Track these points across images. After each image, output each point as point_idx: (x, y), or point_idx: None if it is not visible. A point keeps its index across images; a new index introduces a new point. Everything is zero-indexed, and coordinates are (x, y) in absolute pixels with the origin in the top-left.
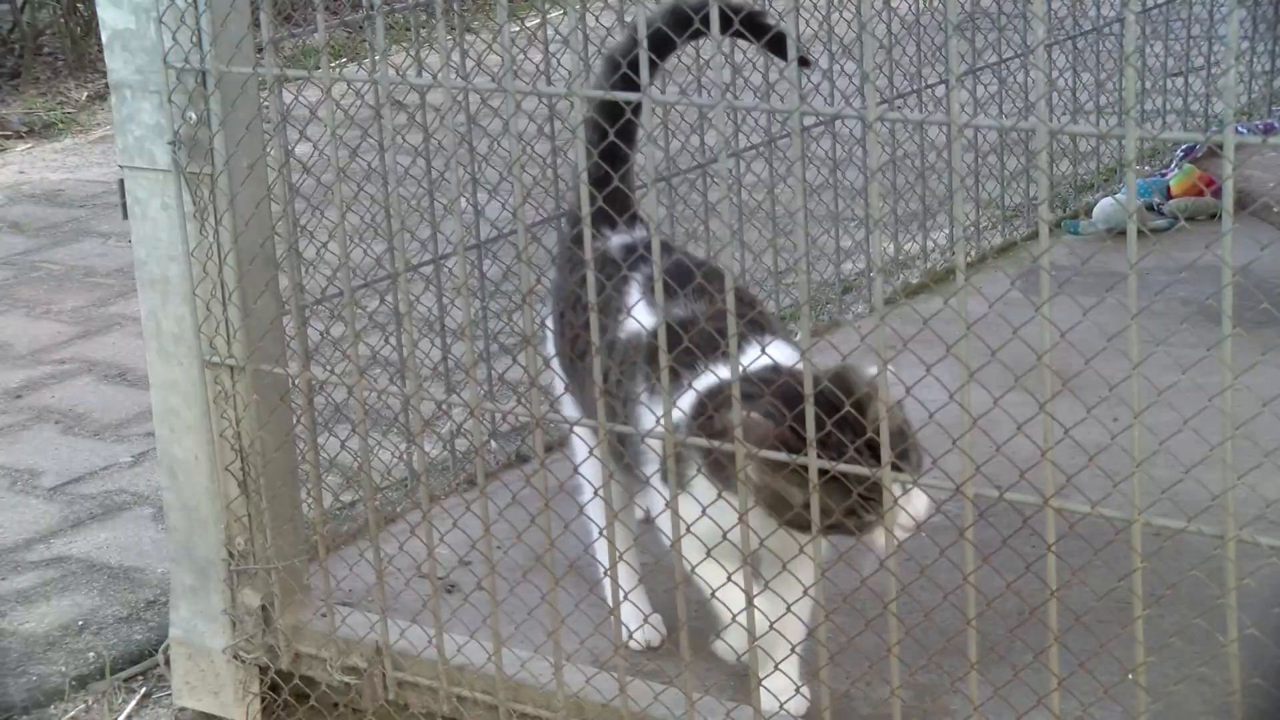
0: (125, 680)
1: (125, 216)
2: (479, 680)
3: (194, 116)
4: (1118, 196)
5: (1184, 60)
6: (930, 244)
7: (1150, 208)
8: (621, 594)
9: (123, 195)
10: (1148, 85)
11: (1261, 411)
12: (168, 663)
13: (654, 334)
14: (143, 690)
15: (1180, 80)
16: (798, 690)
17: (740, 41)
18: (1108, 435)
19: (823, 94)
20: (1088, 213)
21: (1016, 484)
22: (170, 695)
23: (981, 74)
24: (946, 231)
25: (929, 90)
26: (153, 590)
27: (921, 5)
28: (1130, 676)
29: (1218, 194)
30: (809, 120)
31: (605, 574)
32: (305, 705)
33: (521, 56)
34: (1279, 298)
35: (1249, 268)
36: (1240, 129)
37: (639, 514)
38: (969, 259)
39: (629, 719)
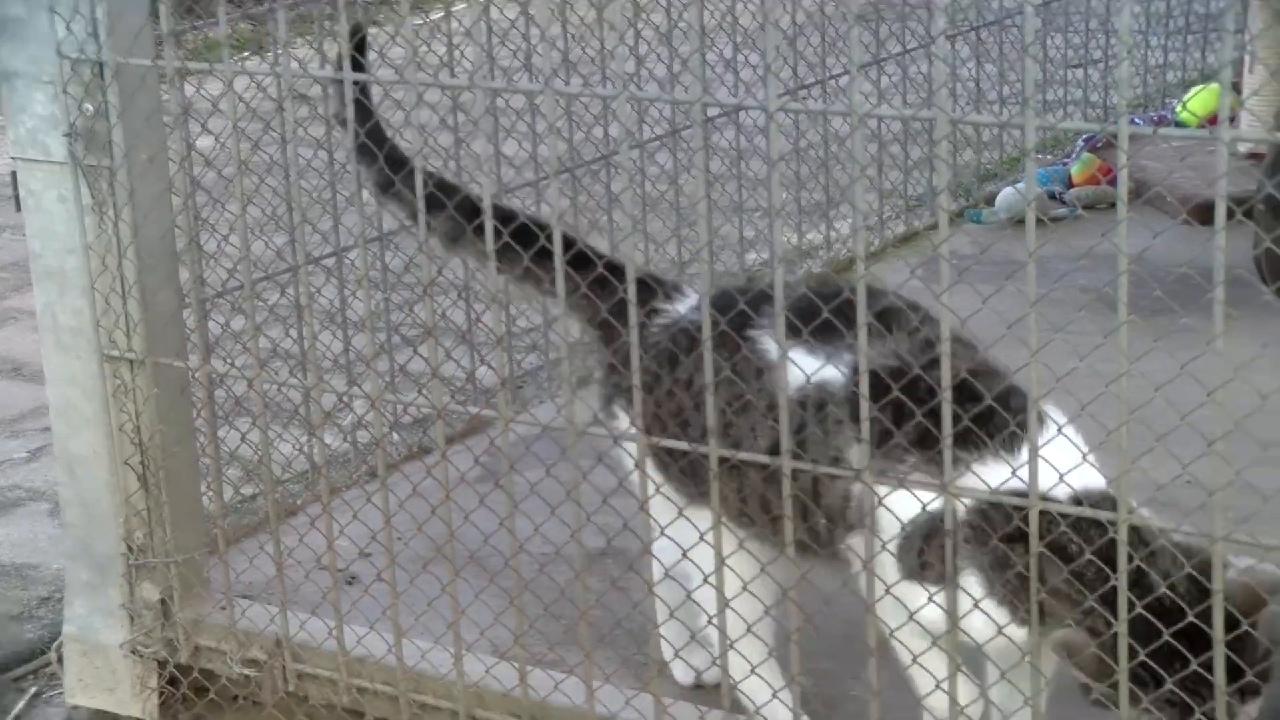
0: (15, 680)
1: (19, 209)
2: (379, 671)
3: (90, 108)
4: (1019, 186)
5: (1083, 52)
6: (833, 234)
7: (1052, 196)
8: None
9: (15, 188)
10: (1048, 76)
11: (1154, 397)
12: (60, 660)
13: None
14: (33, 689)
15: (1080, 71)
16: None
17: (645, 32)
18: None
19: (726, 84)
20: (990, 202)
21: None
22: (63, 693)
23: (885, 64)
24: (850, 221)
25: (833, 80)
26: (46, 587)
27: None
28: (1027, 658)
29: (1115, 183)
30: (711, 111)
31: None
32: (204, 699)
33: (425, 49)
34: (1172, 285)
35: (1144, 256)
36: (1135, 120)
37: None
38: (871, 248)
39: (530, 708)
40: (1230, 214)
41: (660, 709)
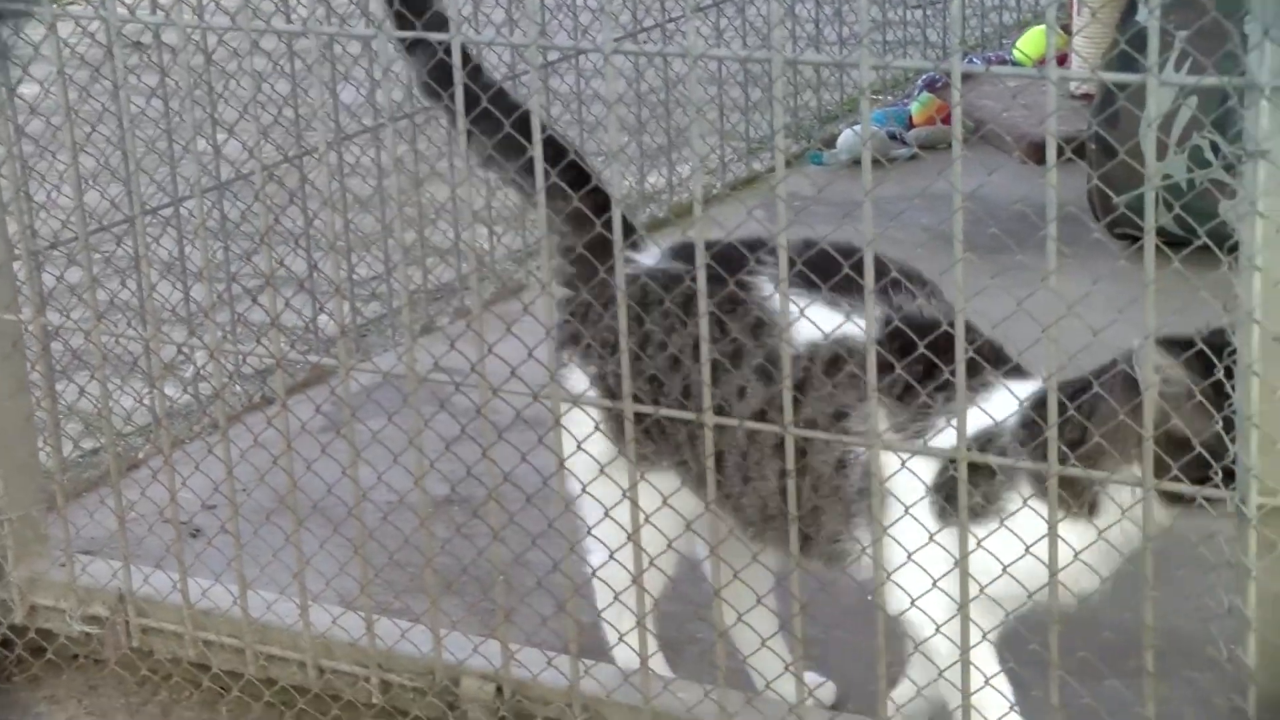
0: None
1: None
2: (225, 624)
3: None
4: (858, 127)
5: None
6: (675, 177)
7: (892, 137)
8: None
9: None
10: (891, 17)
11: (993, 332)
12: None
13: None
14: None
15: (919, 12)
16: None
17: None
18: None
19: (565, 28)
20: (831, 144)
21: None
22: None
23: (725, 6)
24: (691, 164)
25: (672, 23)
26: None
27: None
28: (869, 598)
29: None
30: (550, 55)
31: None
32: (41, 660)
33: None
34: (1008, 223)
35: (980, 194)
36: (974, 60)
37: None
38: (714, 191)
39: (377, 657)
40: (1060, 152)
41: (507, 654)
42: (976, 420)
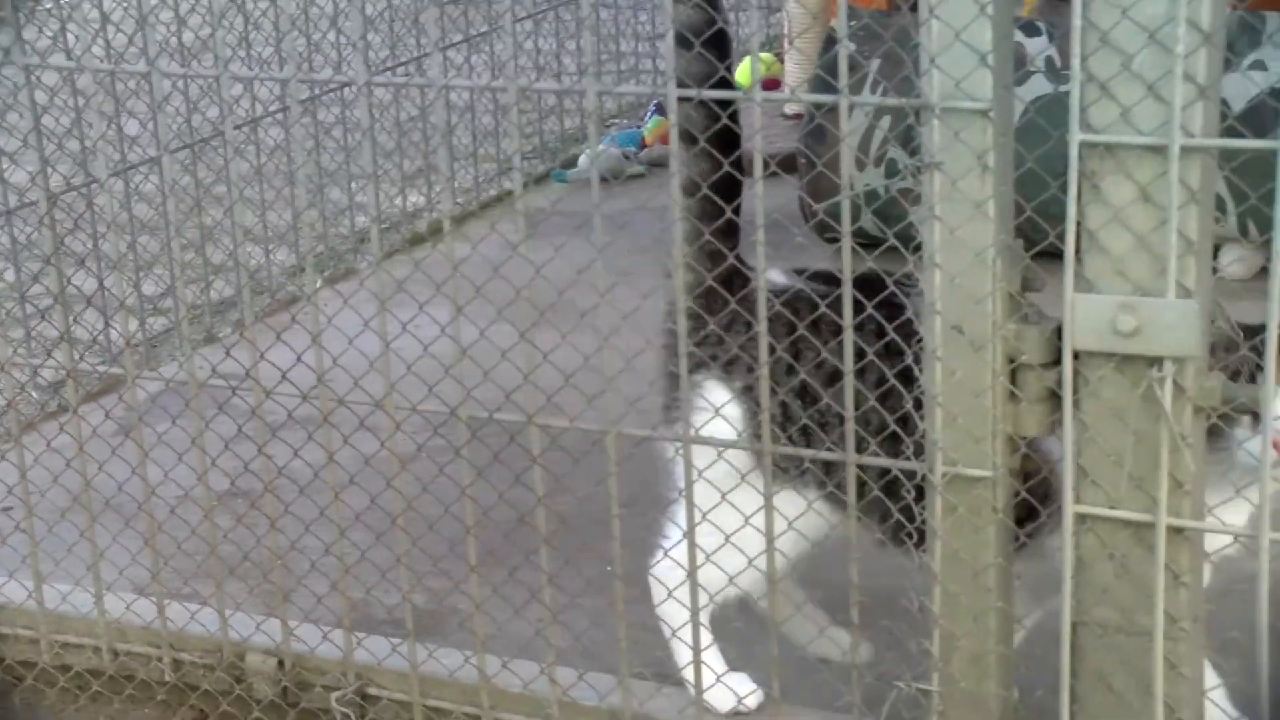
0: None
1: None
2: (20, 616)
3: None
4: (602, 147)
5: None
6: (435, 197)
7: (627, 156)
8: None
9: None
10: (624, 49)
11: None
12: None
13: None
14: None
15: (650, 44)
16: None
17: (254, 12)
18: (581, 357)
19: (331, 62)
20: (573, 163)
21: (504, 405)
22: None
23: (476, 41)
24: (452, 187)
25: (442, 55)
26: None
27: None
28: (609, 569)
29: None
30: (315, 88)
31: None
32: None
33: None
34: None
35: None
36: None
37: None
38: (470, 209)
39: (169, 638)
40: (766, 166)
41: (287, 631)
42: None
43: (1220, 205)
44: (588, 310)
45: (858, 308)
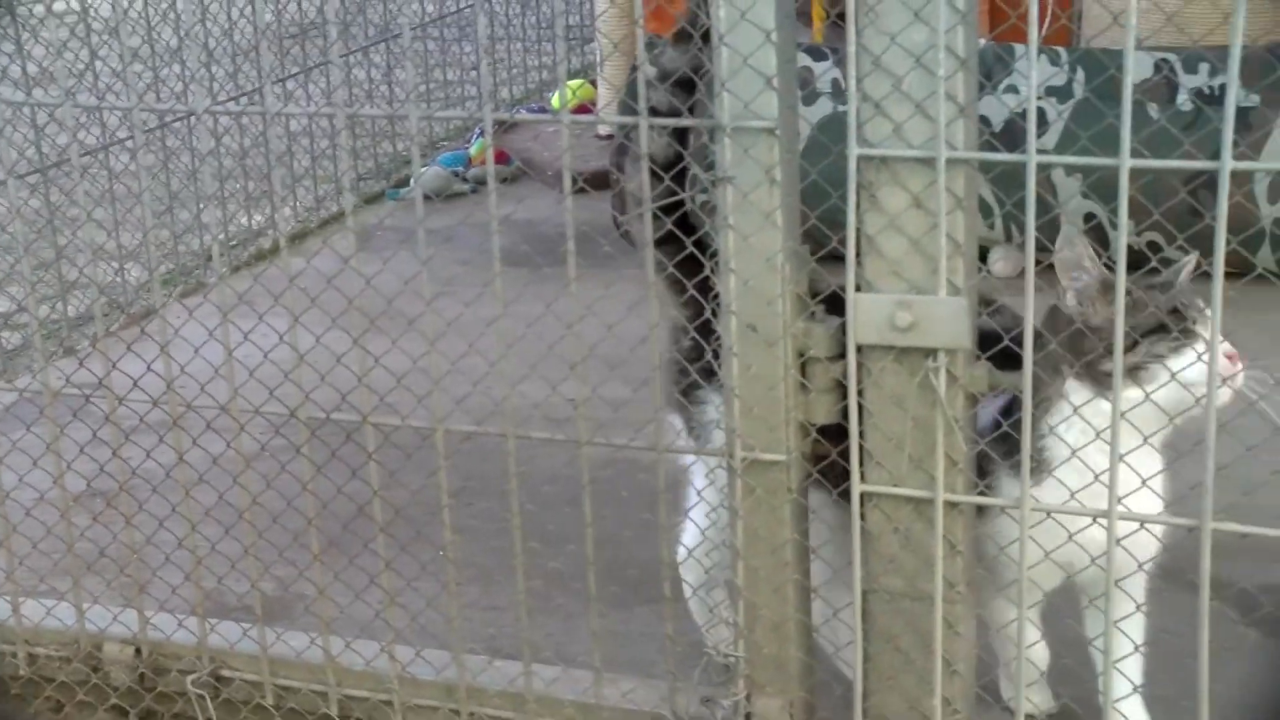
0: None
1: None
2: None
3: None
4: (430, 167)
5: (484, 55)
6: (279, 217)
7: (457, 175)
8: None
9: None
10: (450, 77)
11: (526, 333)
12: None
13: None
14: None
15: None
16: None
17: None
18: (410, 361)
19: (177, 93)
20: (406, 182)
21: (340, 406)
22: None
23: (315, 73)
24: (292, 206)
25: (281, 84)
26: None
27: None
28: (442, 553)
29: (505, 162)
30: (163, 116)
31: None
32: None
33: None
34: (547, 242)
35: (524, 219)
36: (524, 109)
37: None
38: (310, 227)
39: (23, 634)
40: (574, 182)
41: (143, 621)
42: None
43: (987, 211)
44: (415, 317)
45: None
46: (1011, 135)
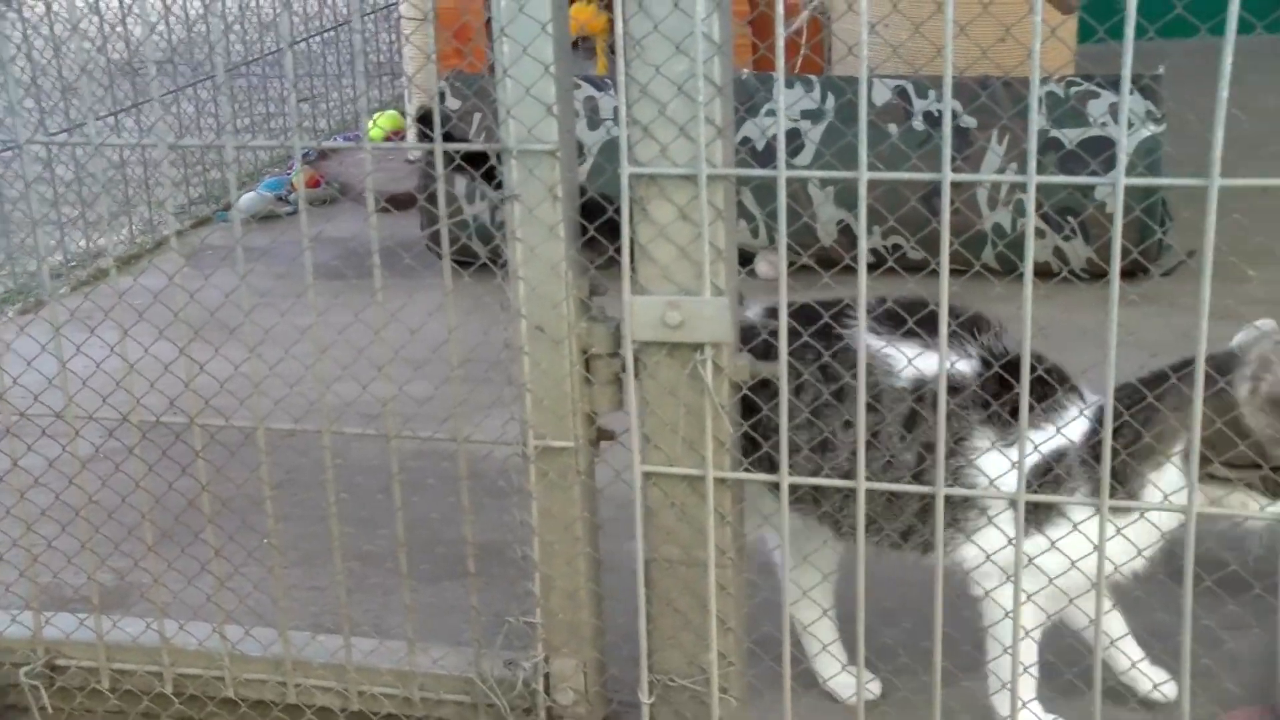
0: None
1: None
2: None
3: None
4: (257, 191)
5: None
6: (107, 241)
7: (281, 198)
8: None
9: None
10: (272, 110)
11: (337, 340)
12: None
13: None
14: None
15: (308, 104)
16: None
17: None
18: (232, 367)
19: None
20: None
21: (169, 409)
22: None
23: (146, 106)
24: (128, 229)
25: (113, 117)
26: None
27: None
28: (267, 540)
29: (323, 186)
30: None
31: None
32: None
33: None
34: (359, 257)
35: (339, 237)
36: (339, 138)
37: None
38: (146, 247)
39: None
40: (376, 201)
41: (39, 619)
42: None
43: (751, 218)
44: (236, 327)
45: (794, 335)
46: (771, 153)
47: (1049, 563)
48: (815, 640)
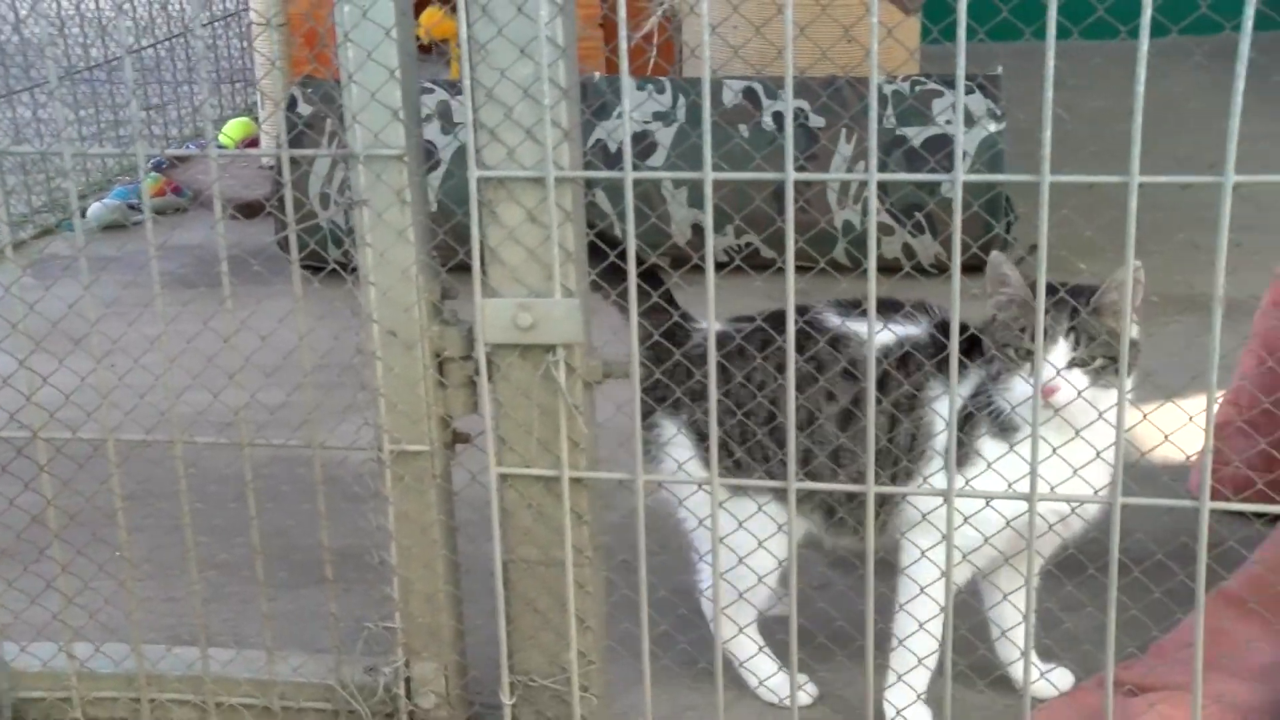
0: None
1: None
2: None
3: None
4: (104, 201)
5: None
6: None
7: (132, 207)
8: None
9: None
10: (121, 117)
11: (186, 349)
12: None
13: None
14: None
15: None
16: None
17: None
18: (78, 378)
19: None
20: (83, 214)
21: (8, 424)
22: None
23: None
24: None
25: None
26: None
27: None
28: (118, 553)
29: (178, 193)
30: None
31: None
32: None
33: None
34: (208, 266)
35: (193, 243)
36: (192, 145)
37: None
38: None
39: None
40: (225, 208)
41: None
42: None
43: (605, 218)
44: (81, 337)
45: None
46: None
47: (969, 506)
48: (750, 643)
